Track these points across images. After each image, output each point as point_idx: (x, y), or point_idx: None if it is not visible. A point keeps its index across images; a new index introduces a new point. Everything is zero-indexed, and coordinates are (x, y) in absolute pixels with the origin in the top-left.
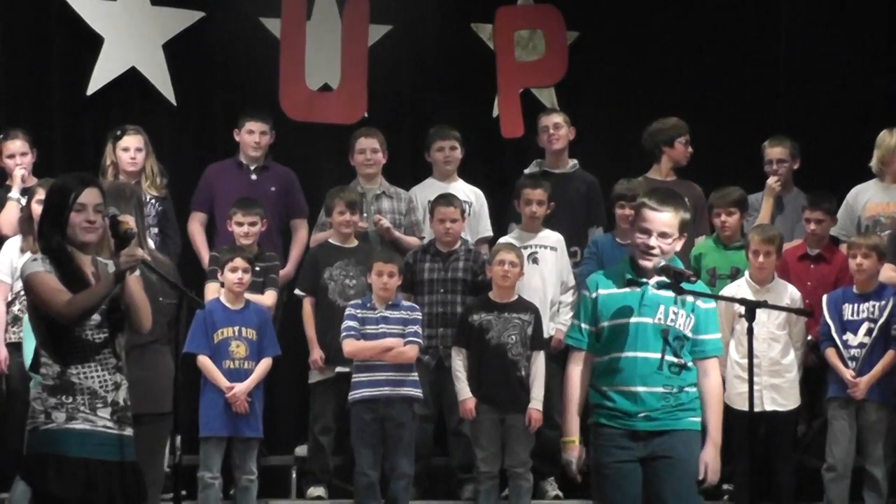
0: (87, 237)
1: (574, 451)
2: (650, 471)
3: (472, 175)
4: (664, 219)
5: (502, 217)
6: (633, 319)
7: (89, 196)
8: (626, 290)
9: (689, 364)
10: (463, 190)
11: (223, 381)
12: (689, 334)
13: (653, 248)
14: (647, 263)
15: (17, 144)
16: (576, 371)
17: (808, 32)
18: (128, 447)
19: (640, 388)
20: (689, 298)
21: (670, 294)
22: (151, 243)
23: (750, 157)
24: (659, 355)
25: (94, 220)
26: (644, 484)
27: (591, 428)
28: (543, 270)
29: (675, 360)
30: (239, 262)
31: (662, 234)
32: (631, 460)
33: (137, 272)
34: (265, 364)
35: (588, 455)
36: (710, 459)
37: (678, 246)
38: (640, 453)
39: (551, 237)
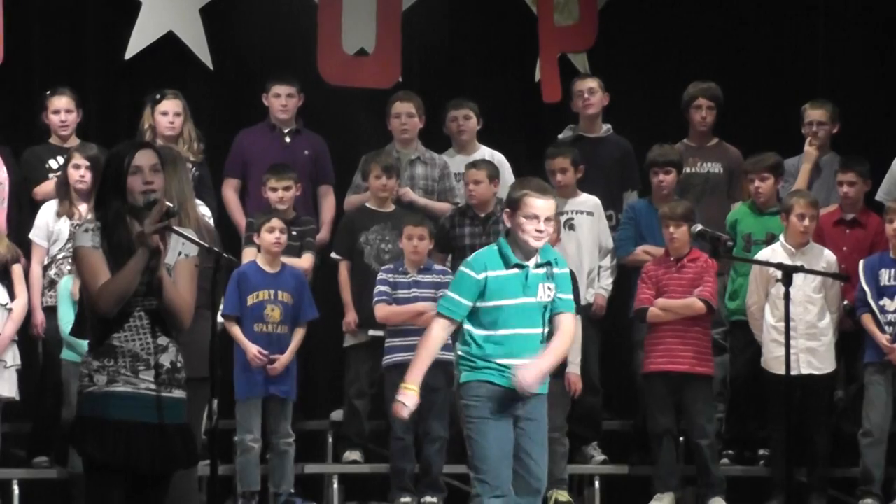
0: None
1: (413, 398)
2: (519, 429)
3: (512, 141)
4: (550, 206)
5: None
6: (519, 300)
7: (143, 158)
8: (512, 272)
9: None
10: (483, 156)
11: (251, 349)
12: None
13: (543, 231)
14: (538, 244)
15: (63, 101)
16: (441, 335)
17: None
18: (172, 409)
19: (526, 360)
20: (555, 270)
21: (543, 271)
22: (202, 210)
23: (788, 122)
24: (541, 330)
25: (152, 180)
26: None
27: (471, 385)
28: (580, 236)
29: (550, 329)
30: (276, 222)
31: (547, 220)
32: (508, 417)
33: (194, 260)
34: (300, 333)
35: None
36: (530, 369)
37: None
38: (515, 412)
39: (589, 202)
